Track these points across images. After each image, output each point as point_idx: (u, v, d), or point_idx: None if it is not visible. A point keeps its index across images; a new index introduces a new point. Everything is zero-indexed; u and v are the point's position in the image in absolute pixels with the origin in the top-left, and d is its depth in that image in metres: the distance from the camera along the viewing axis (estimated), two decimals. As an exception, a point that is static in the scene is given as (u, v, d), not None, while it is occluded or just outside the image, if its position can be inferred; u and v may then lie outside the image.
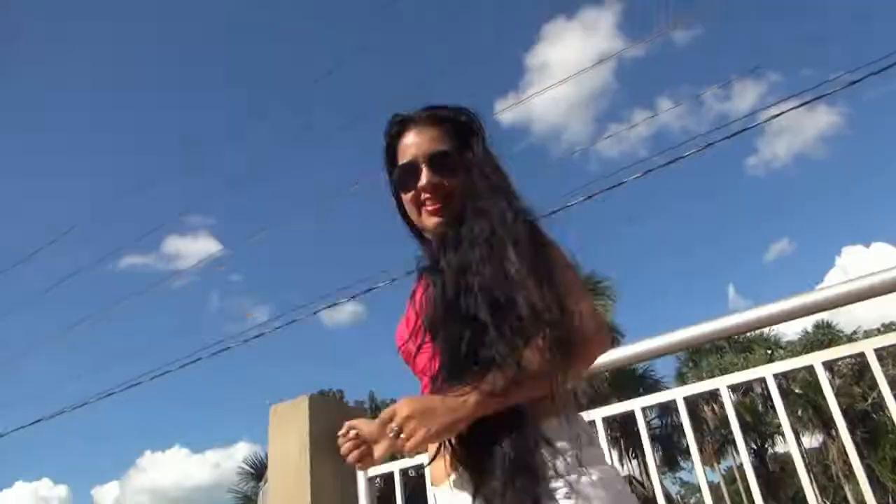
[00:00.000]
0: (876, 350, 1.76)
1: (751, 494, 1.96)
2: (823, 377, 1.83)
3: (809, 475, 2.01)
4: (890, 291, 1.74)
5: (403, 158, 1.18)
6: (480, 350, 0.95)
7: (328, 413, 2.60)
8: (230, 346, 13.21)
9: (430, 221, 1.15)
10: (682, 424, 2.08)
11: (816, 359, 1.82)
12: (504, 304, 0.96)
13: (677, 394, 1.98)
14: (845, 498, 26.05)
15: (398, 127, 1.21)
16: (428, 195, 1.14)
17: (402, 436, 0.92)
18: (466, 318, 0.97)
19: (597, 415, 2.05)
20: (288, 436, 2.51)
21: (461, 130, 1.19)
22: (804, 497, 1.82)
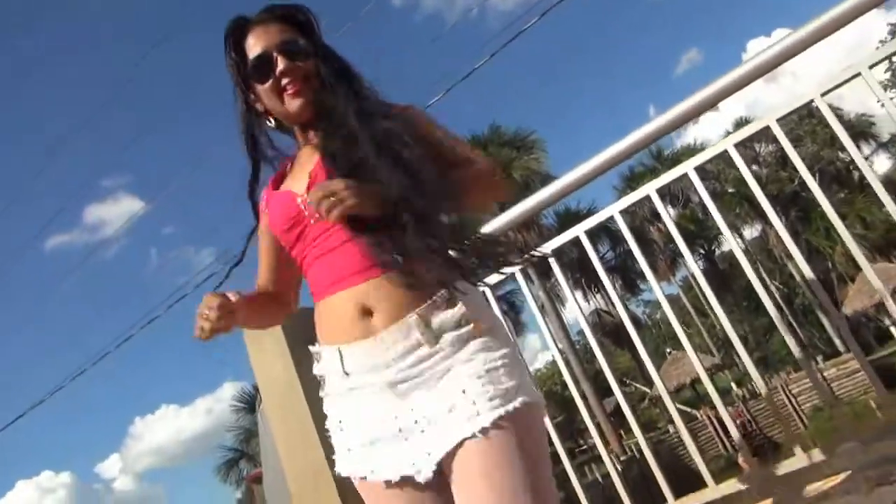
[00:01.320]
0: (778, 120, 1.86)
1: (706, 298, 2.14)
2: (739, 159, 1.94)
3: (754, 266, 2.18)
4: (783, 62, 1.85)
5: (255, 53, 1.22)
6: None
7: (299, 321, 2.64)
8: (186, 294, 13.09)
9: (294, 103, 1.20)
10: (633, 249, 2.20)
11: (728, 142, 1.91)
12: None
13: (613, 209, 2.08)
14: (790, 274, 28.23)
15: (241, 29, 1.24)
16: (288, 79, 1.19)
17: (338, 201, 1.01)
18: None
19: (546, 249, 2.15)
20: (269, 354, 2.55)
21: (302, 25, 1.26)
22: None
